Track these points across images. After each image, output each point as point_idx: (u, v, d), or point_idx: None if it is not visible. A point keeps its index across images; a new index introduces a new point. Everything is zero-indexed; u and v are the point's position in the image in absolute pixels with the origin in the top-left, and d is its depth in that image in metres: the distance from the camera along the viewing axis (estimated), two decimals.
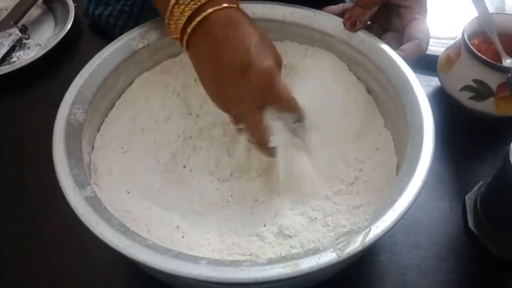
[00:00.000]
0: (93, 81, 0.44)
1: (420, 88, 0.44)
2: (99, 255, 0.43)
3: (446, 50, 0.55)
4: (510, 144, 0.40)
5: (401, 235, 0.46)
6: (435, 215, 0.48)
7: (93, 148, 0.45)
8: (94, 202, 0.36)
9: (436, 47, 0.61)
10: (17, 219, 0.49)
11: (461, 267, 0.45)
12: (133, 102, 0.49)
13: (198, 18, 0.40)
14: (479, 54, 0.49)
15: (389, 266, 0.45)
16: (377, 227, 0.34)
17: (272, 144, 0.40)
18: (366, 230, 0.33)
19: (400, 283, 0.44)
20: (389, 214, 0.35)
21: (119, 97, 0.49)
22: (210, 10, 0.40)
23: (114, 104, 0.48)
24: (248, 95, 0.39)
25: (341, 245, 0.33)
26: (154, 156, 0.46)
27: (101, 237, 0.33)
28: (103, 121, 0.47)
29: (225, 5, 0.40)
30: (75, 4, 0.69)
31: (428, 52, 0.59)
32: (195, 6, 0.40)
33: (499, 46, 0.52)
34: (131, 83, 0.50)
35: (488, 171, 0.51)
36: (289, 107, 0.41)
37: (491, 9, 0.65)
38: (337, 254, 0.32)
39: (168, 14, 0.41)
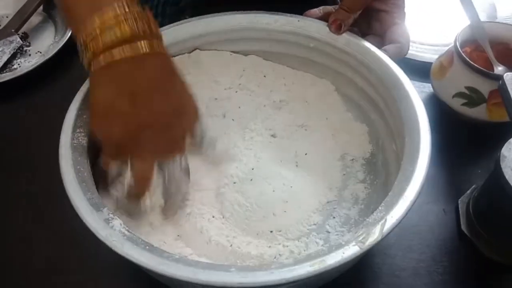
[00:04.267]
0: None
1: (409, 82, 0.45)
2: (102, 258, 0.44)
3: (439, 58, 0.57)
4: (501, 149, 0.41)
5: (395, 238, 0.47)
6: (429, 218, 0.49)
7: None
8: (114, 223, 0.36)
9: (429, 54, 0.62)
10: (22, 223, 0.50)
11: (455, 269, 0.46)
12: None
13: (118, 57, 0.36)
14: (471, 62, 0.50)
15: (384, 269, 0.45)
16: (392, 216, 0.35)
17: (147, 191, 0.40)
18: (382, 221, 0.35)
19: (395, 285, 0.45)
20: (401, 203, 0.36)
21: None
22: (119, 57, 0.36)
23: None
24: (153, 145, 0.39)
25: (361, 237, 0.34)
26: None
27: (128, 257, 0.33)
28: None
29: (152, 49, 0.37)
30: None
31: (421, 59, 0.62)
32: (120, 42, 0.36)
33: (491, 54, 0.53)
34: None
35: (481, 175, 0.52)
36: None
37: (483, 17, 0.67)
38: (359, 246, 0.33)
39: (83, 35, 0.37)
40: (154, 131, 0.38)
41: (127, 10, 0.36)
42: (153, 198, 0.40)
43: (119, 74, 0.37)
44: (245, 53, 0.55)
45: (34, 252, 0.47)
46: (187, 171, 0.42)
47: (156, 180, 0.40)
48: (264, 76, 0.55)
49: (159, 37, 0.39)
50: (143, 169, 0.39)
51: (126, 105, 0.38)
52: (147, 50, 0.37)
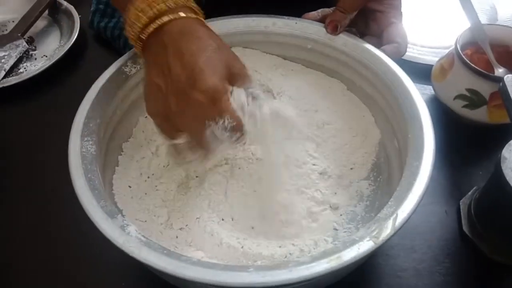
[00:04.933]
0: (95, 112, 0.45)
1: (408, 79, 0.46)
2: (109, 258, 0.45)
3: (439, 60, 0.57)
4: (502, 150, 0.42)
5: (397, 238, 0.47)
6: (431, 219, 0.49)
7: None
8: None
9: (430, 57, 0.63)
10: (26, 225, 0.50)
11: (457, 269, 0.46)
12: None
13: (153, 26, 0.40)
14: (471, 64, 0.51)
15: (386, 269, 0.46)
16: (402, 211, 0.36)
17: (213, 153, 0.40)
18: (394, 216, 0.35)
19: (397, 286, 0.45)
20: (410, 198, 0.37)
21: (118, 124, 0.50)
22: (166, 19, 0.40)
23: (114, 131, 0.49)
24: (191, 111, 0.38)
25: (375, 232, 0.35)
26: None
27: (146, 262, 0.34)
28: (108, 149, 0.47)
29: (183, 14, 0.40)
30: (80, 16, 0.70)
31: (422, 61, 0.62)
32: (152, 14, 0.40)
33: (491, 56, 0.53)
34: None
35: (482, 177, 0.53)
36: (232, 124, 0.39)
37: (484, 19, 0.67)
38: (373, 241, 0.34)
39: (124, 16, 0.41)
40: (179, 98, 0.39)
41: None
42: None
43: (150, 50, 0.41)
44: None
45: (39, 253, 0.48)
46: (233, 129, 0.38)
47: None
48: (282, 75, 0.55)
49: (183, 6, 0.41)
50: (194, 138, 0.40)
51: (156, 79, 0.40)
52: (171, 18, 0.40)
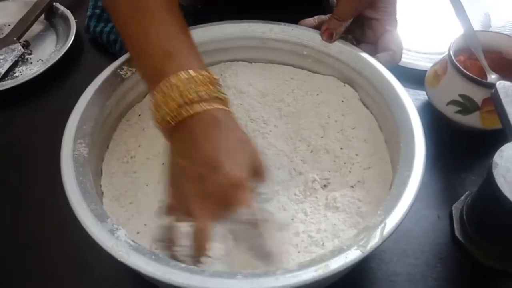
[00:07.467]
0: (90, 114, 0.45)
1: (401, 87, 0.47)
2: (99, 264, 0.45)
3: (433, 66, 0.57)
4: (494, 156, 0.42)
5: (390, 243, 0.47)
6: (424, 224, 0.50)
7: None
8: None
9: (423, 62, 0.63)
10: (19, 230, 0.50)
11: (449, 274, 0.46)
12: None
13: (184, 114, 0.39)
14: (464, 70, 0.51)
15: (379, 274, 0.46)
16: (391, 220, 0.36)
17: (208, 254, 0.36)
18: (382, 225, 0.36)
19: None
20: (399, 207, 0.37)
21: (114, 126, 0.50)
22: (198, 109, 0.38)
23: (109, 134, 0.49)
24: (210, 194, 0.37)
25: (362, 241, 0.35)
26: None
27: (135, 267, 0.34)
28: (100, 152, 0.47)
29: (215, 106, 0.39)
30: (76, 20, 0.71)
31: (416, 67, 0.63)
32: (182, 102, 0.38)
33: (484, 63, 0.54)
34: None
35: (474, 182, 0.53)
36: (244, 223, 0.36)
37: (478, 26, 0.68)
38: (361, 250, 0.34)
39: (151, 95, 0.40)
40: (201, 181, 0.37)
41: (193, 74, 0.39)
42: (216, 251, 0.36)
43: (177, 133, 0.40)
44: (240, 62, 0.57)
45: (32, 258, 0.48)
46: (254, 225, 0.36)
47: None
48: (292, 90, 0.54)
49: (215, 97, 0.40)
50: (197, 228, 0.36)
51: (181, 161, 0.38)
52: (200, 109, 0.39)
